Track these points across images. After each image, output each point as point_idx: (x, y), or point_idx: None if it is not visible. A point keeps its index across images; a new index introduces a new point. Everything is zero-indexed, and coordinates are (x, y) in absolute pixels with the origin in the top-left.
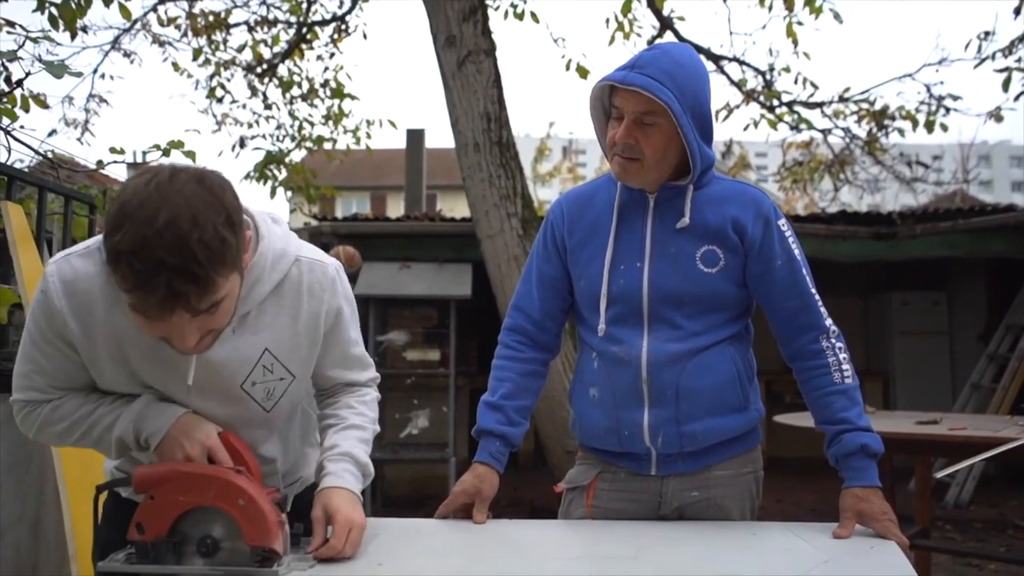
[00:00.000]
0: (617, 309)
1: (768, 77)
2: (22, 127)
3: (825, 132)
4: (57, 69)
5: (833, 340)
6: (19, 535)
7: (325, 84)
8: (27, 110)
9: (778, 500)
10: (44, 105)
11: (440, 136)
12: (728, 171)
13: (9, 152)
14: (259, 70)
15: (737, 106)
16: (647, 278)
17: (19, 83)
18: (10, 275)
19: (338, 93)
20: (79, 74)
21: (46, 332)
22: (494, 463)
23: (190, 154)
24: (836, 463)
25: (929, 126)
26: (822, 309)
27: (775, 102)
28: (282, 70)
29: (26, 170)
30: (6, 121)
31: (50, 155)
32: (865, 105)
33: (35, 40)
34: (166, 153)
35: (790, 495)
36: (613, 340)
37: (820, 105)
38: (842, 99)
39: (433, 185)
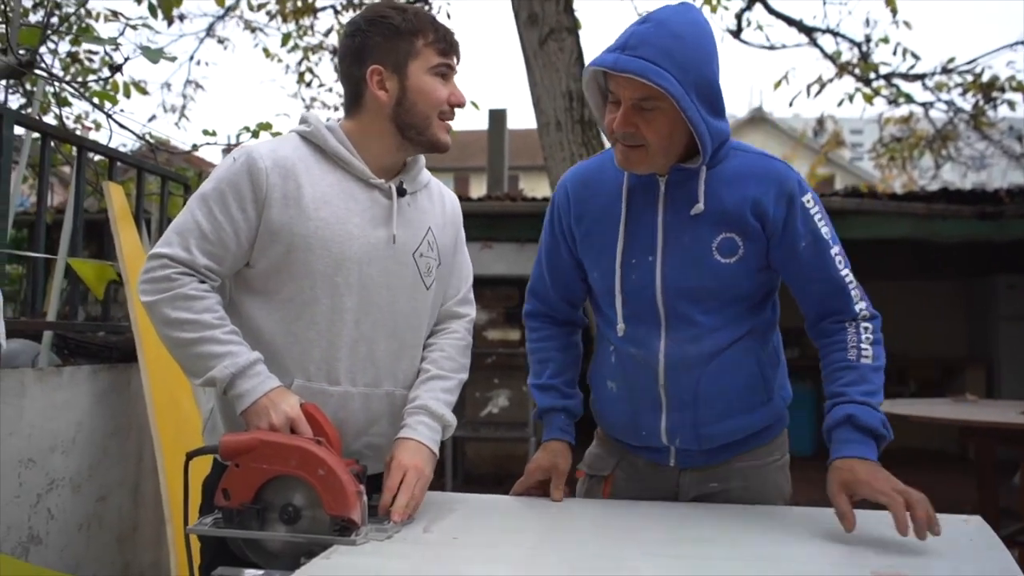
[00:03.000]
0: (632, 307)
1: (864, 48)
2: (122, 110)
3: (926, 106)
4: (153, 54)
5: (860, 323)
6: (121, 498)
7: None
8: (128, 96)
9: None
10: (144, 91)
11: (522, 117)
12: (821, 149)
13: (111, 135)
14: None
15: (830, 80)
16: (660, 273)
17: (119, 68)
18: (111, 252)
19: None
20: (173, 58)
21: (227, 192)
22: (565, 436)
23: (278, 136)
24: (827, 441)
25: None
26: (854, 292)
27: (872, 75)
28: None
29: (128, 153)
30: (108, 105)
31: (149, 138)
32: (971, 76)
33: (135, 27)
34: (255, 135)
35: None
36: (630, 340)
37: (921, 77)
38: (945, 70)
39: (515, 166)
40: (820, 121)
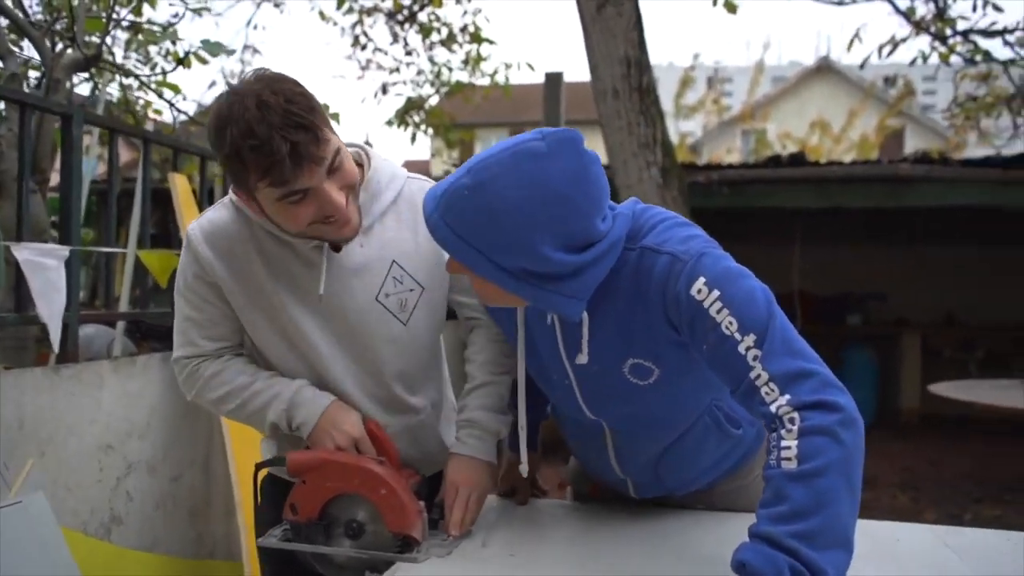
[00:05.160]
0: (567, 412)
1: (940, 3)
2: (184, 99)
3: (1007, 64)
4: (213, 48)
5: (783, 420)
6: (194, 476)
7: (464, 29)
8: (189, 67)
9: (932, 463)
10: (204, 61)
11: (578, 70)
12: (892, 101)
13: (175, 123)
14: (400, 17)
15: (903, 40)
16: (583, 402)
17: (181, 62)
18: (178, 240)
19: (476, 38)
20: (232, 51)
21: (193, 284)
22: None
23: (335, 116)
24: None
25: None
26: (766, 389)
27: (948, 31)
28: (422, 17)
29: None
30: (169, 94)
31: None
32: None
33: (197, 11)
34: None
35: (945, 458)
36: (575, 433)
37: (1002, 33)
38: None
39: (571, 120)
40: (890, 79)
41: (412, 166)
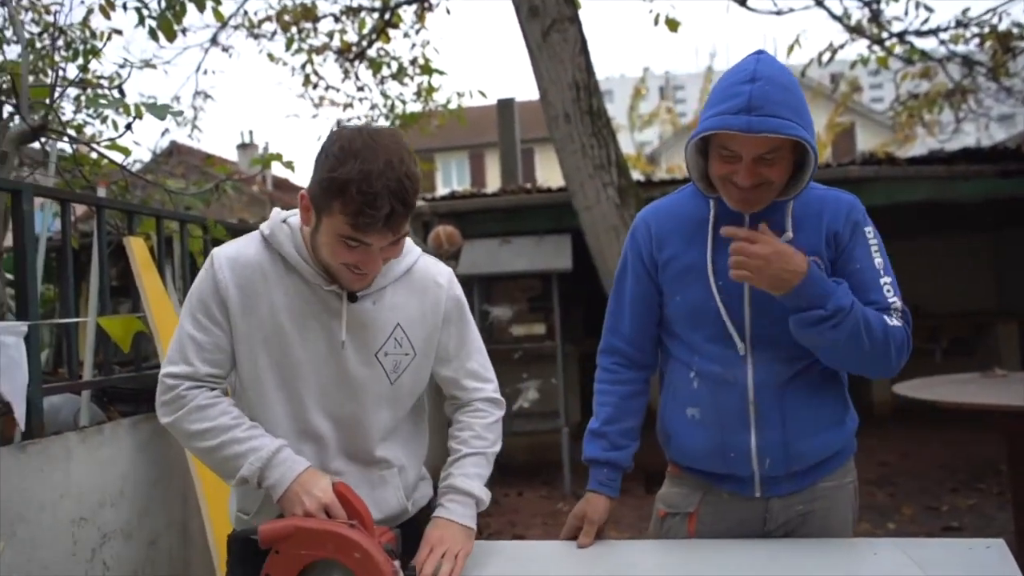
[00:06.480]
0: (718, 327)
1: (875, 7)
2: (136, 161)
3: (942, 61)
4: (159, 110)
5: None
6: (171, 540)
7: (414, 62)
8: (140, 117)
9: (904, 455)
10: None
11: (531, 89)
12: (840, 98)
13: (127, 186)
14: (349, 54)
15: (841, 46)
16: (748, 295)
17: (128, 127)
18: (138, 304)
19: (426, 69)
20: (179, 113)
21: (207, 303)
22: (603, 490)
23: (289, 164)
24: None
25: None
26: (897, 315)
27: (884, 34)
28: (371, 53)
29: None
30: (121, 157)
31: (163, 185)
32: (987, 27)
33: (140, 68)
34: (266, 165)
35: (919, 449)
36: (715, 359)
37: (935, 32)
38: (960, 23)
39: (529, 139)
40: (835, 79)
41: None
